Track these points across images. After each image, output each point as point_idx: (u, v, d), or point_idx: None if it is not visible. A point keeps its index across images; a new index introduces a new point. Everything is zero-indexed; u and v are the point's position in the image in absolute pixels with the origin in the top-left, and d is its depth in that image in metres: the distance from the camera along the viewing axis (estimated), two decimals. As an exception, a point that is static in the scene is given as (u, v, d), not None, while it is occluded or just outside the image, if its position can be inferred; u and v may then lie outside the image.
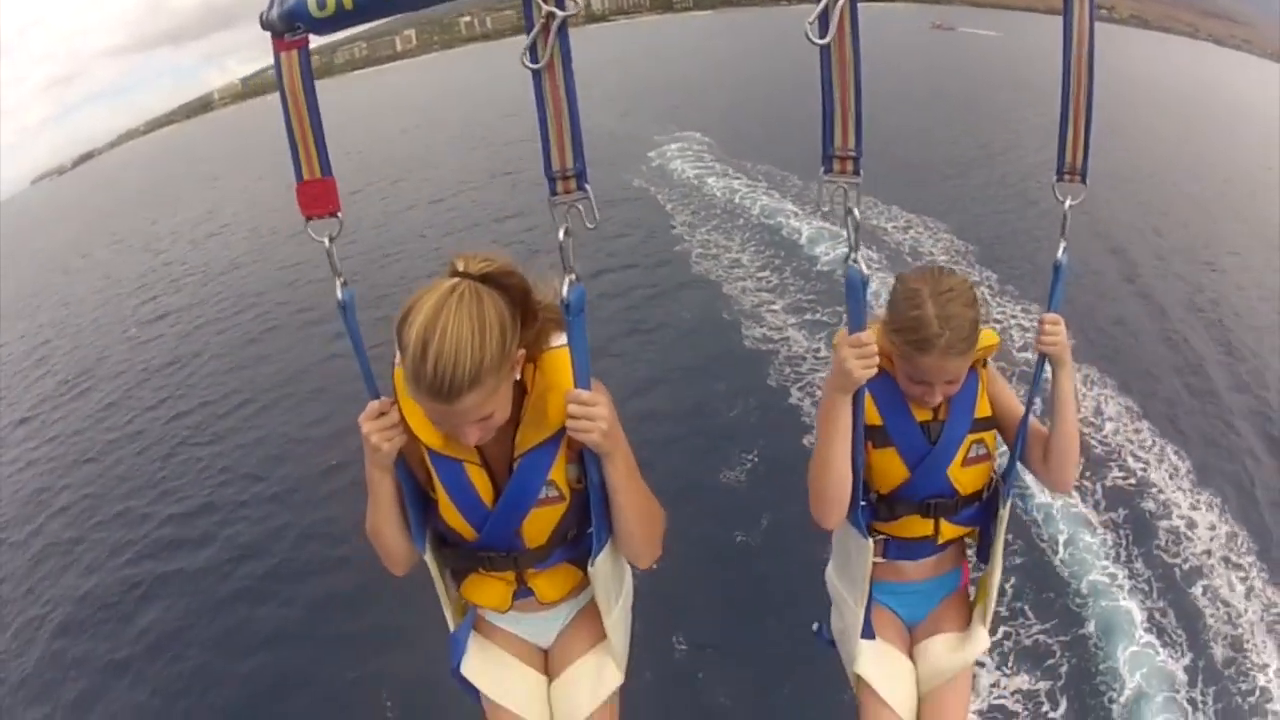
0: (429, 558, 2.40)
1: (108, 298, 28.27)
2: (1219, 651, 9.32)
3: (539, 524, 2.27)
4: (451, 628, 2.56)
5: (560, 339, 2.16)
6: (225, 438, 15.95)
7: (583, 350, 2.02)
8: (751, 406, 13.29)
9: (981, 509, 2.74)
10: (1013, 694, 8.68)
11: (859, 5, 1.79)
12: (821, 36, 1.81)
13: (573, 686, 2.52)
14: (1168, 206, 23.71)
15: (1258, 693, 8.90)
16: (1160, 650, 9.25)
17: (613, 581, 2.45)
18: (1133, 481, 11.71)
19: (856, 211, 1.97)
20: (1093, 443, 12.45)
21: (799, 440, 12.06)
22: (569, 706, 2.51)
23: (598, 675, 2.51)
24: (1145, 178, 25.42)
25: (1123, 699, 8.69)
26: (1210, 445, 12.65)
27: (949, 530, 2.75)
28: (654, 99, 39.96)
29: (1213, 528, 10.99)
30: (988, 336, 2.56)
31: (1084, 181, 2.25)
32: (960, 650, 2.81)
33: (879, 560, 2.75)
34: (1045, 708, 8.59)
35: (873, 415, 2.55)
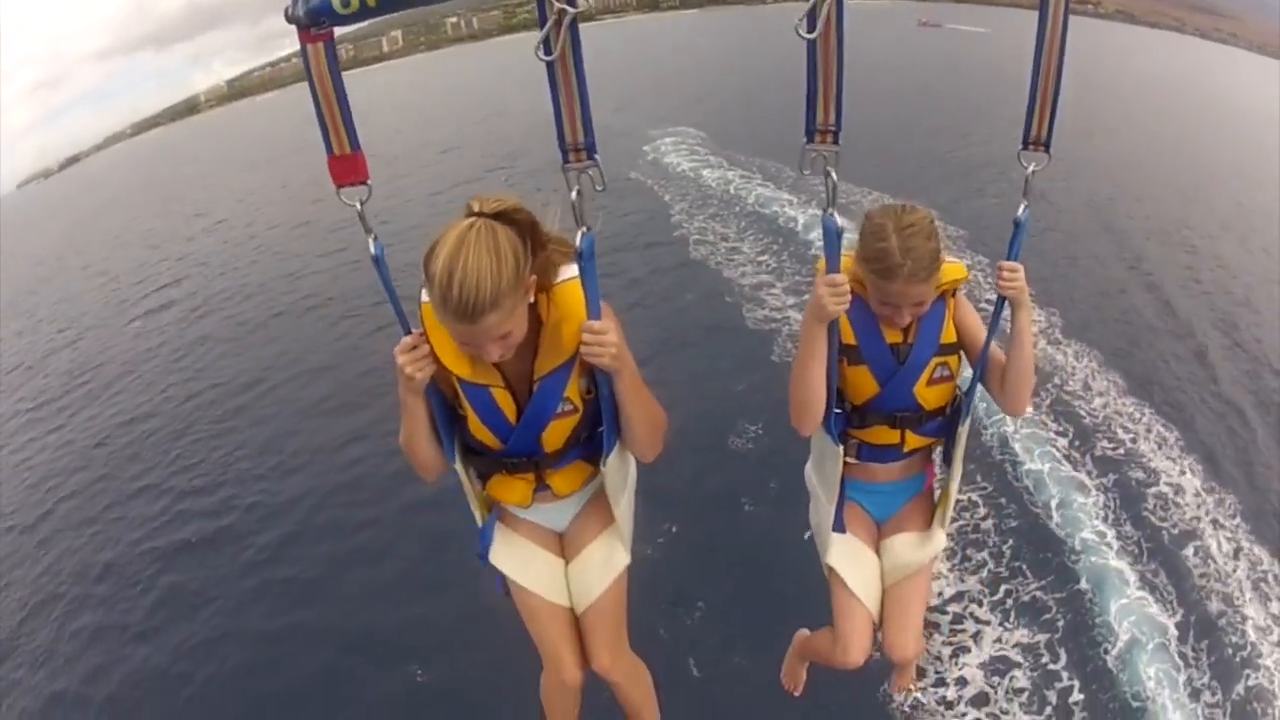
0: (458, 465, 2.71)
1: (107, 293, 28.28)
2: (1211, 606, 9.63)
3: (557, 433, 2.60)
4: (479, 522, 2.91)
5: (567, 272, 2.44)
6: (236, 415, 16.20)
7: (594, 287, 2.29)
8: (757, 381, 13.65)
9: (944, 423, 3.06)
10: (1014, 647, 8.97)
11: (843, 2, 2.03)
12: (810, 32, 2.06)
13: (587, 567, 2.87)
14: (1152, 192, 24.32)
15: (1249, 647, 9.18)
16: (1152, 605, 9.56)
17: (620, 476, 2.77)
18: (1122, 451, 12.05)
19: (834, 173, 2.29)
20: (1082, 414, 12.84)
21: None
22: (584, 585, 2.87)
23: (608, 557, 2.86)
24: (1137, 164, 25.90)
25: (1116, 650, 8.98)
26: (1196, 415, 13.03)
27: (914, 440, 3.07)
28: (646, 95, 40.08)
29: (1198, 494, 11.30)
30: (956, 269, 2.89)
31: (1048, 151, 2.49)
32: (921, 549, 3.18)
33: (852, 460, 3.09)
34: (1045, 659, 8.88)
35: (848, 335, 2.89)
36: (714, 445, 12.17)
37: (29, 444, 17.25)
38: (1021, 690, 8.56)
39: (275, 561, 11.79)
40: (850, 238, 2.72)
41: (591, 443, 2.69)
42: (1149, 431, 12.56)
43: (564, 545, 2.95)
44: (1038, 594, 9.66)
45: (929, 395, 2.95)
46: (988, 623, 9.34)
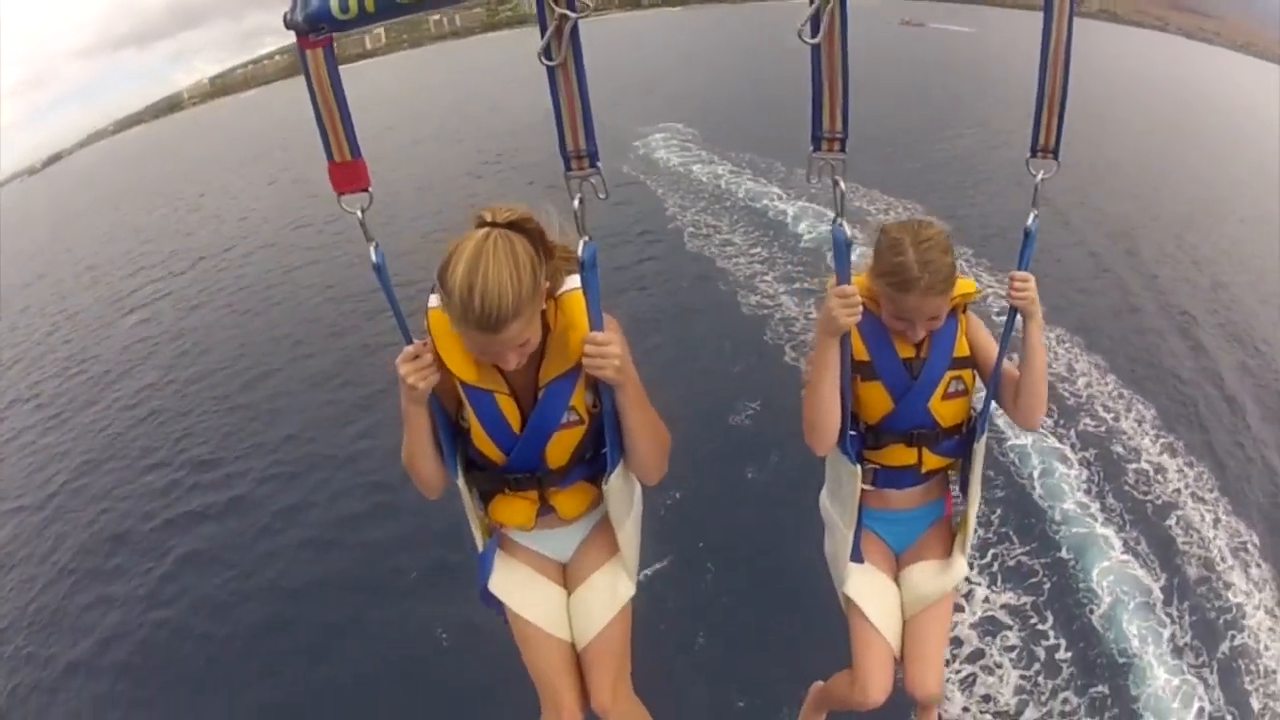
0: (460, 482, 2.63)
1: (101, 287, 28.41)
2: (1193, 572, 10.11)
3: (561, 446, 2.50)
4: (479, 547, 2.80)
5: (572, 282, 2.37)
6: (240, 398, 16.59)
7: (596, 297, 2.23)
8: (753, 362, 14.21)
9: (960, 442, 2.97)
10: (1002, 608, 9.43)
11: (846, 4, 1.97)
12: (813, 37, 1.98)
13: (590, 599, 2.75)
14: (1131, 181, 25.07)
15: (1233, 610, 9.66)
16: (1136, 568, 10.06)
17: (624, 498, 2.65)
18: (1104, 429, 12.55)
19: (842, 182, 2.20)
20: (1065, 394, 13.28)
21: (797, 392, 12.75)
22: (586, 618, 2.73)
23: (612, 588, 2.74)
24: (1120, 161, 26.43)
25: (1101, 611, 9.47)
26: (1172, 395, 13.57)
27: (931, 460, 2.97)
28: (634, 91, 39.94)
29: (1180, 470, 11.82)
30: (967, 285, 2.82)
31: (1056, 159, 2.44)
32: (941, 577, 3.07)
33: (868, 488, 2.97)
34: (1033, 620, 9.35)
35: (861, 351, 2.81)
36: (716, 421, 12.67)
37: (32, 429, 17.56)
38: (1012, 648, 9.03)
39: (289, 525, 12.27)
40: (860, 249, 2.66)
41: (596, 462, 2.60)
42: (1129, 410, 13.08)
43: (566, 575, 2.85)
44: (1023, 559, 10.12)
45: (944, 411, 2.89)
46: (975, 585, 9.75)
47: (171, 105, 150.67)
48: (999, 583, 9.80)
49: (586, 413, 2.48)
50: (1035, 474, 11.50)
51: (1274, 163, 26.28)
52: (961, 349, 2.87)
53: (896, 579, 3.14)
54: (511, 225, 2.18)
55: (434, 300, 2.33)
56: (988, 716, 8.41)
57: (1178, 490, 11.49)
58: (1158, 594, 9.77)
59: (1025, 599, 9.62)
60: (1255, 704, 8.72)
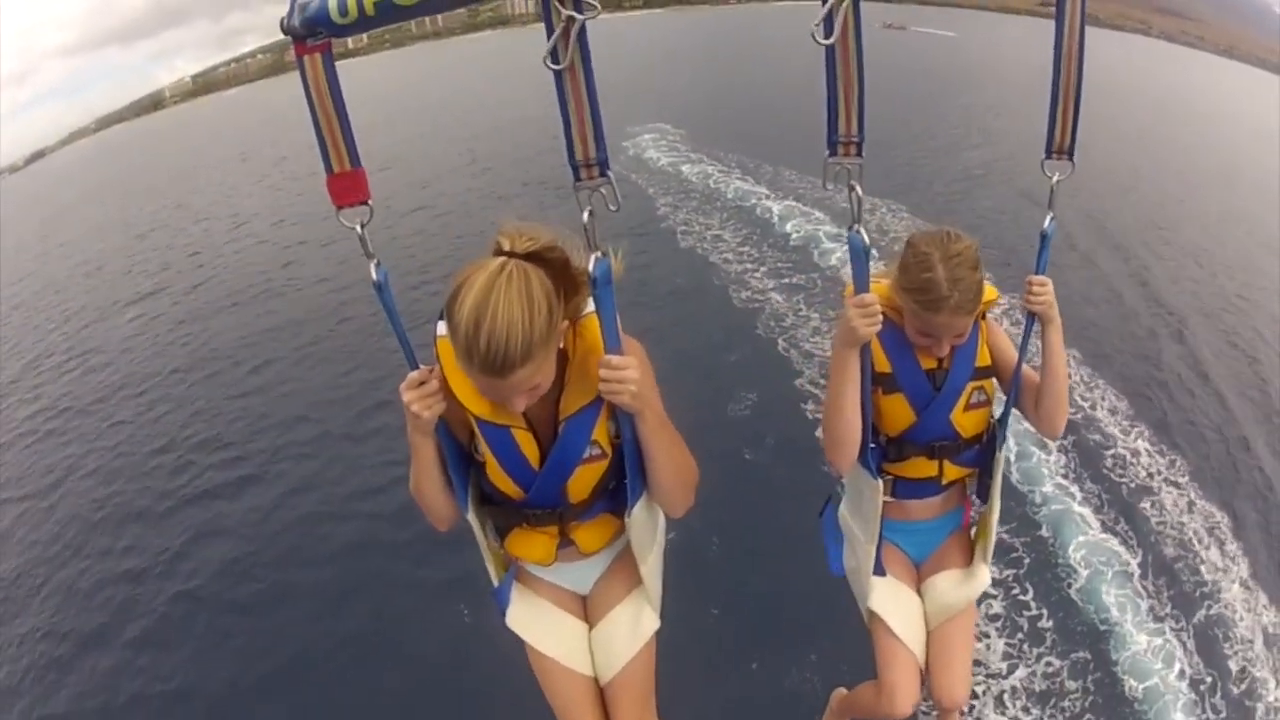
0: (471, 516, 2.48)
1: (96, 282, 28.40)
2: (1169, 550, 10.64)
3: (583, 481, 2.37)
4: (495, 582, 2.67)
5: (594, 304, 2.17)
6: (253, 392, 16.79)
7: (611, 318, 2.10)
8: (748, 353, 14.84)
9: (981, 451, 2.95)
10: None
11: (859, 3, 1.95)
12: (826, 37, 1.94)
13: (613, 633, 2.63)
14: (1110, 181, 25.29)
15: (1208, 584, 10.17)
16: (1115, 543, 10.65)
17: (647, 531, 2.54)
18: (1080, 416, 13.08)
19: (859, 187, 2.14)
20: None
21: (791, 381, 13.63)
22: (609, 652, 2.61)
23: (636, 621, 2.61)
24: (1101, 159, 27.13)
25: (1079, 584, 10.01)
26: (1143, 385, 14.22)
27: (952, 471, 2.96)
28: (621, 92, 40.16)
29: (1150, 455, 12.38)
30: (988, 292, 2.74)
31: (1071, 160, 2.41)
32: (964, 586, 3.05)
33: (888, 499, 2.93)
34: (1015, 591, 9.88)
35: (883, 363, 2.78)
36: (716, 409, 13.18)
37: (36, 418, 17.78)
38: (997, 617, 9.58)
39: (303, 494, 12.77)
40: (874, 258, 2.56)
41: (619, 494, 2.45)
42: (1103, 399, 13.68)
43: (587, 608, 2.72)
44: (1003, 536, 10.54)
45: (966, 422, 2.86)
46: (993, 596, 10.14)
47: (154, 103, 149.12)
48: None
49: (610, 445, 2.35)
50: (1012, 458, 11.93)
51: (1245, 159, 27.14)
52: (983, 358, 2.86)
53: (918, 589, 3.12)
54: (531, 256, 2.03)
55: (442, 328, 2.15)
56: (980, 677, 8.88)
57: (1150, 475, 12.02)
58: (1135, 567, 10.29)
59: (1007, 572, 10.10)
60: (1234, 667, 9.19)
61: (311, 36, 1.94)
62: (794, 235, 20.32)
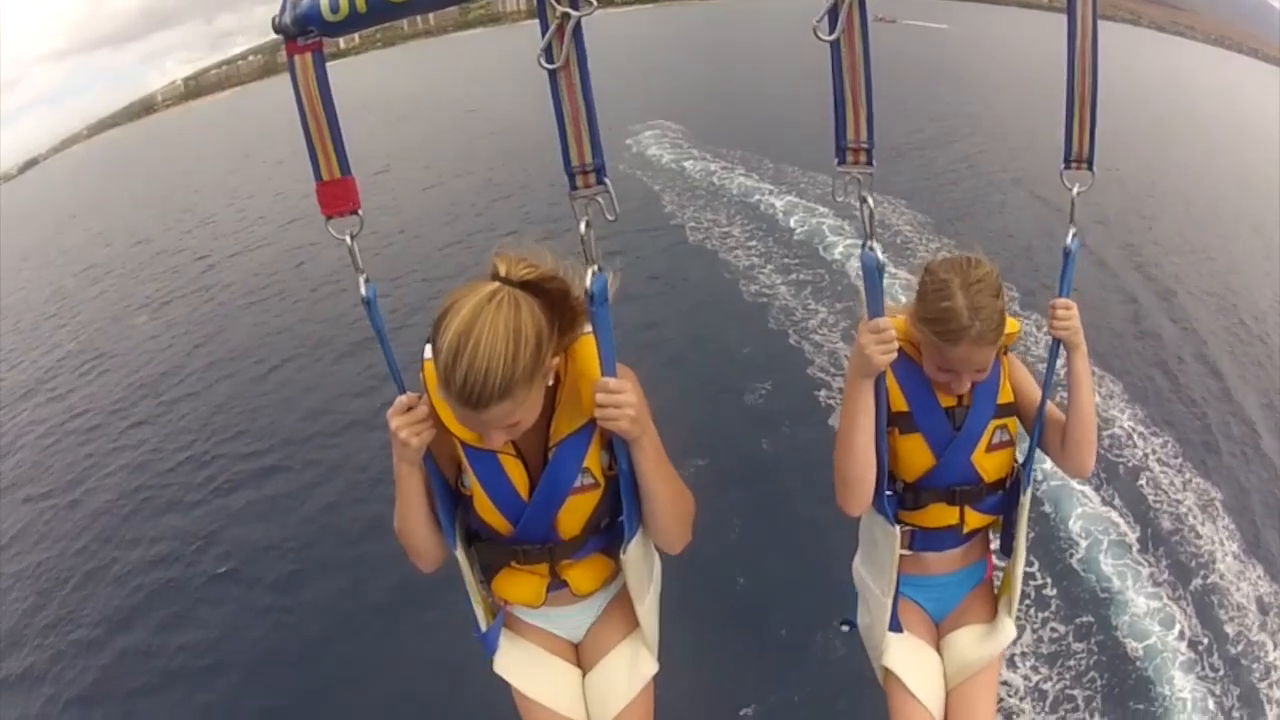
0: (460, 554, 2.36)
1: (104, 288, 28.64)
2: (1165, 524, 11.24)
3: (575, 513, 2.24)
4: (483, 627, 2.52)
5: (589, 325, 2.06)
6: (269, 394, 17.23)
7: (608, 339, 2.00)
8: (760, 345, 15.45)
9: (1004, 497, 2.74)
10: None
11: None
12: (830, 33, 1.84)
13: (608, 678, 2.50)
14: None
15: (1204, 554, 10.76)
16: (1114, 514, 11.27)
17: (644, 569, 2.41)
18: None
19: (870, 200, 2.00)
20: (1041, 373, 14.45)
21: (803, 371, 14.26)
22: (604, 699, 2.48)
23: (632, 665, 2.49)
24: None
25: (1080, 554, 10.65)
26: (1136, 372, 14.85)
27: (974, 519, 2.74)
28: (619, 89, 41.10)
29: (1145, 438, 13.00)
30: (1009, 324, 2.51)
31: (1091, 169, 2.26)
32: (987, 642, 2.80)
33: (905, 553, 2.72)
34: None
35: (899, 402, 2.58)
36: (734, 397, 13.77)
37: (54, 419, 18.26)
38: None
39: (329, 481, 13.31)
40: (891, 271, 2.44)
41: (612, 532, 2.33)
42: (1100, 386, 14.18)
43: (581, 655, 2.59)
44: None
45: (989, 464, 2.64)
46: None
47: (146, 107, 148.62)
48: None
49: (602, 475, 2.22)
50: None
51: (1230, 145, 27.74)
52: (1005, 395, 2.63)
53: (937, 646, 2.89)
54: (528, 285, 1.92)
55: (429, 351, 2.02)
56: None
57: (1145, 455, 12.62)
58: (1133, 540, 10.86)
59: (1012, 544, 10.73)
60: (1230, 630, 9.75)
61: (303, 35, 1.91)
62: (798, 230, 20.93)
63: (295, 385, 17.24)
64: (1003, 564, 2.87)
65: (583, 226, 1.85)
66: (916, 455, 2.61)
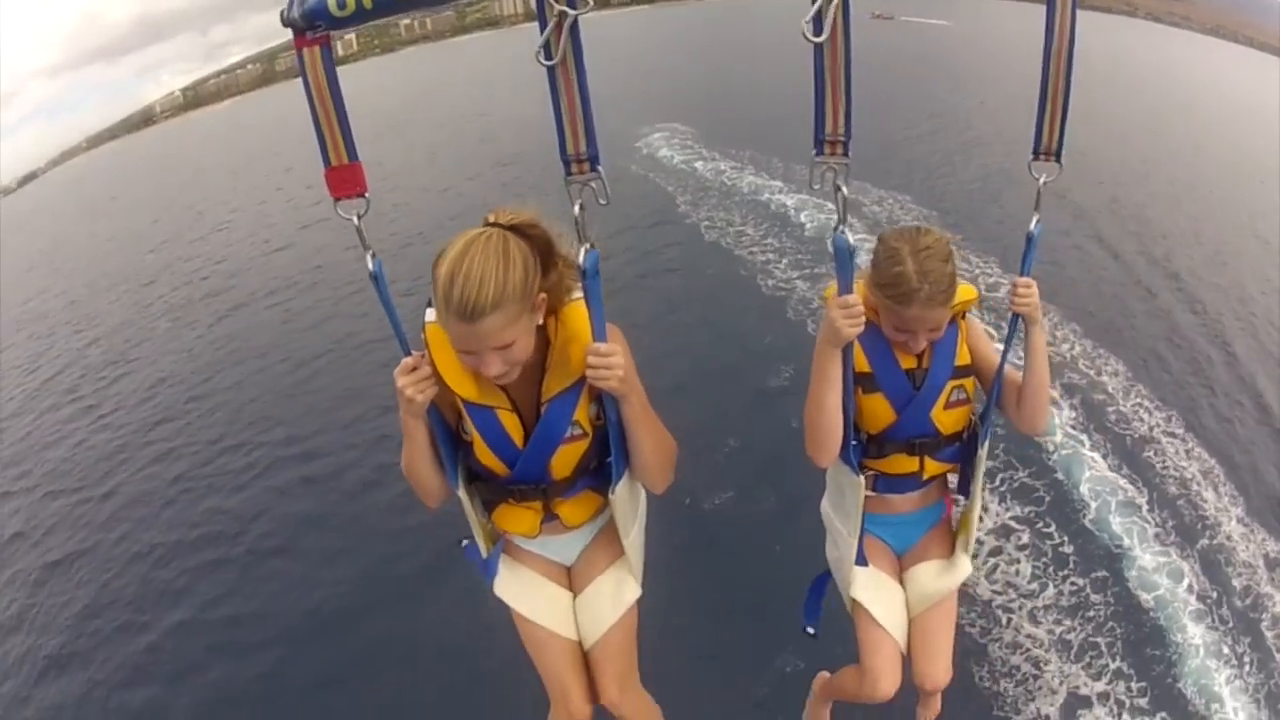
0: (462, 492, 2.59)
1: (118, 295, 28.83)
2: (1171, 489, 11.84)
3: (565, 459, 2.48)
4: (484, 555, 2.77)
5: (579, 292, 2.31)
6: (302, 385, 17.72)
7: (599, 307, 2.19)
8: (780, 334, 16.06)
9: (962, 448, 2.97)
10: (1011, 519, 11.25)
11: (848, 2, 1.94)
12: (816, 35, 1.93)
13: (596, 600, 2.76)
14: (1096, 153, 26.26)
15: (1210, 516, 11.36)
16: (1123, 483, 11.88)
17: (630, 506, 2.66)
18: (1085, 382, 14.40)
19: (845, 188, 2.16)
20: (1051, 354, 14.99)
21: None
22: (593, 618, 2.74)
23: (618, 589, 2.74)
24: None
25: (1091, 515, 11.30)
26: (1142, 352, 15.49)
27: (932, 467, 2.99)
28: (627, 92, 41.08)
29: (1149, 411, 13.62)
30: (966, 291, 2.76)
31: (1058, 162, 2.41)
32: (945, 576, 3.08)
33: (869, 493, 2.94)
34: (1039, 524, 11.16)
35: (862, 364, 2.79)
36: (758, 381, 14.39)
37: (77, 421, 18.60)
38: (1025, 546, 10.84)
39: (360, 462, 13.77)
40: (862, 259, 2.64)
41: (601, 472, 2.58)
42: (1106, 365, 14.93)
43: (572, 578, 2.85)
44: (1025, 480, 11.93)
45: (946, 420, 2.88)
46: (991, 500, 11.53)
47: (144, 119, 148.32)
48: (1008, 499, 11.57)
49: (590, 426, 2.46)
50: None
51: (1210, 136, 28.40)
52: (963, 357, 2.87)
53: (900, 578, 3.18)
54: (513, 228, 2.16)
55: (430, 314, 2.30)
56: (1013, 593, 10.16)
57: (1151, 428, 13.22)
58: (1141, 501, 11.49)
59: (1029, 509, 11.38)
60: (1238, 584, 10.32)
61: (311, 29, 1.98)
62: (809, 226, 21.52)
63: (327, 375, 17.74)
64: (962, 506, 3.17)
65: (576, 209, 2.07)
66: (879, 411, 2.87)
